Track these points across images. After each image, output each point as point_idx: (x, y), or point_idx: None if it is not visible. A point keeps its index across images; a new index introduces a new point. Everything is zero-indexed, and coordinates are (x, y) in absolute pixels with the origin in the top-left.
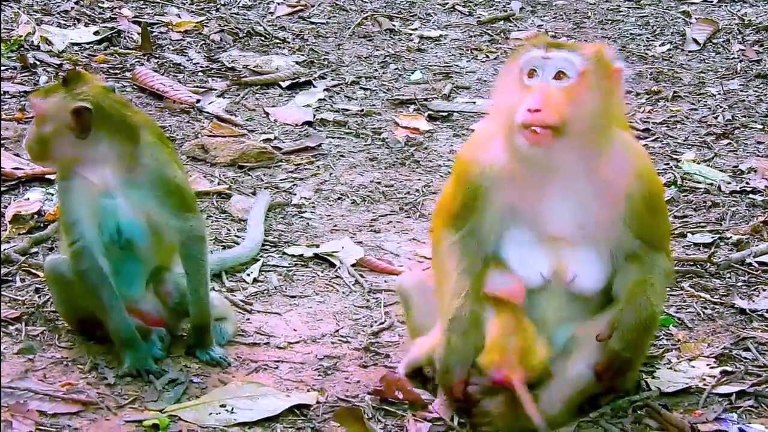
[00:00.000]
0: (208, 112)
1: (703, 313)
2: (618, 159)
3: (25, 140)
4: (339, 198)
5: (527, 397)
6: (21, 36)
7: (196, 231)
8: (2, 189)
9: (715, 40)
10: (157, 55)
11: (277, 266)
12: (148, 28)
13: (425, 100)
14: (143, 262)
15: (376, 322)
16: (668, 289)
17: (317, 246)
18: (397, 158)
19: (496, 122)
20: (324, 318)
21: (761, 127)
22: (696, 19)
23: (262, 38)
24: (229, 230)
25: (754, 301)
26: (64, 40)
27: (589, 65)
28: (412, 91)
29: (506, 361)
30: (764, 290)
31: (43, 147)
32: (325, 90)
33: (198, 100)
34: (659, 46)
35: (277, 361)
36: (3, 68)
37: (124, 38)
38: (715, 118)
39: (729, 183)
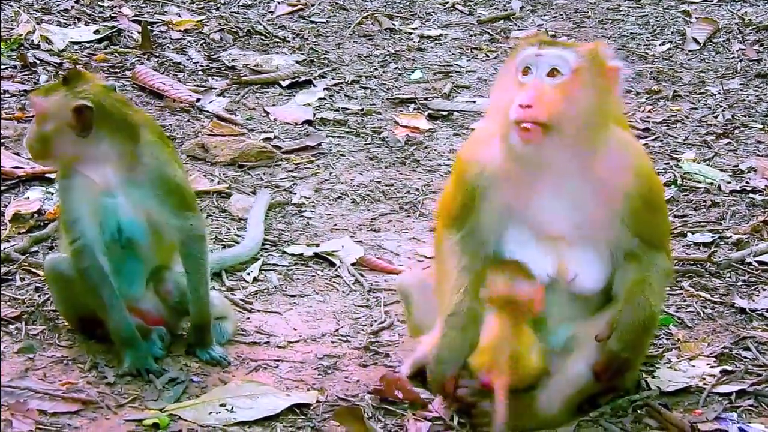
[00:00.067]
0: (208, 111)
1: (703, 312)
2: (614, 157)
3: (26, 139)
4: (339, 197)
5: (502, 404)
6: (21, 35)
7: (196, 230)
8: (2, 188)
9: (715, 40)
10: (157, 54)
11: (277, 265)
12: (148, 27)
13: (425, 99)
14: (143, 261)
15: (376, 321)
16: (668, 288)
17: (317, 245)
18: (397, 157)
19: (493, 121)
20: (324, 317)
21: (761, 126)
22: (696, 18)
23: (263, 37)
24: (229, 229)
25: (754, 301)
26: (64, 39)
27: (583, 63)
28: (412, 90)
29: (495, 365)
30: (764, 290)
31: (44, 145)
32: (325, 89)
33: (198, 99)
34: (659, 45)
35: (277, 360)
36: (3, 67)
37: (124, 37)
38: (715, 117)
39: (729, 182)
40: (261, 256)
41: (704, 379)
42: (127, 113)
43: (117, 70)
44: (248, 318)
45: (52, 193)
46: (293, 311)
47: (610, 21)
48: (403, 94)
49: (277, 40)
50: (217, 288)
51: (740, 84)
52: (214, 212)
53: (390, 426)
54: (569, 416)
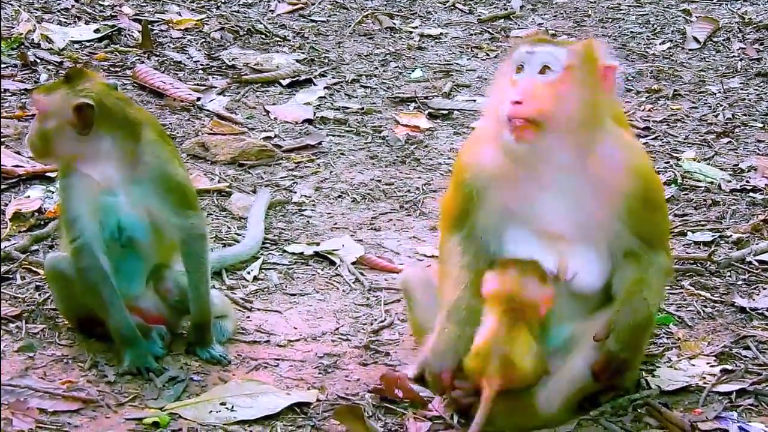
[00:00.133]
0: (208, 110)
1: (704, 311)
2: (611, 156)
3: (28, 137)
4: (339, 196)
5: (485, 409)
6: (21, 34)
7: (197, 229)
8: (3, 187)
9: (715, 39)
10: (158, 53)
11: (278, 264)
12: (149, 26)
13: (425, 98)
14: (144, 259)
15: (376, 320)
16: (668, 287)
17: (317, 244)
18: (397, 156)
19: (489, 120)
20: (324, 316)
21: (761, 125)
22: (696, 17)
23: (263, 36)
24: (229, 228)
25: (754, 300)
26: (65, 37)
27: (575, 60)
28: (412, 89)
29: (488, 370)
30: (764, 289)
31: (46, 144)
32: (325, 88)
33: (198, 98)
34: (660, 44)
35: (278, 359)
36: (3, 66)
37: (125, 36)
38: (716, 116)
39: (729, 181)
40: (261, 254)
41: (704, 378)
42: (129, 112)
43: (117, 69)
44: (248, 317)
45: (53, 192)
46: (293, 310)
47: (610, 20)
48: (403, 93)
49: (278, 39)
50: (218, 287)
51: (740, 83)
52: (214, 211)
53: (390, 425)
54: (569, 415)
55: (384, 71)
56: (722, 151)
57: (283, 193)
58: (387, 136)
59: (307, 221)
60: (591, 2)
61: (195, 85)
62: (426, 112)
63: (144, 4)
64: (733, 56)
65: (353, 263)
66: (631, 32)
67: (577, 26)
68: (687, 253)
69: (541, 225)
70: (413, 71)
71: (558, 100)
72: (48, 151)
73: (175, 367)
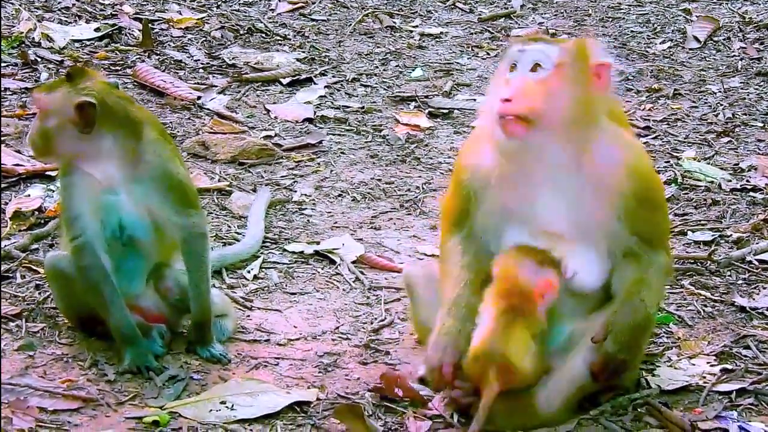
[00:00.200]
0: (208, 109)
1: (704, 311)
2: (607, 154)
3: (29, 135)
4: (339, 195)
5: (485, 409)
6: (22, 32)
7: (197, 228)
8: (3, 185)
9: (715, 38)
10: (158, 52)
11: (278, 263)
12: (149, 24)
13: (426, 97)
14: (144, 258)
15: (376, 319)
16: (668, 287)
17: (317, 243)
18: (397, 155)
19: (485, 120)
20: (324, 315)
21: (762, 125)
22: (697, 16)
23: (263, 35)
24: (229, 227)
25: (754, 299)
26: (65, 36)
27: (566, 57)
28: (412, 88)
29: (486, 371)
30: (764, 288)
31: (47, 142)
32: (325, 87)
33: (199, 97)
34: (660, 43)
35: (278, 358)
36: (4, 65)
37: (125, 35)
38: (716, 115)
39: (729, 181)
40: (261, 253)
41: (704, 377)
42: (130, 110)
43: (118, 68)
44: (248, 316)
45: (53, 191)
46: (293, 309)
47: (610, 19)
48: (403, 92)
49: (278, 37)
50: (218, 286)
51: (741, 82)
52: (214, 210)
53: (390, 424)
54: (569, 414)
55: (384, 70)
56: (722, 151)
57: (283, 192)
58: (387, 135)
59: (308, 220)
60: (591, 1)
61: (195, 83)
62: (426, 111)
63: (144, 2)
64: (734, 56)
65: (353, 262)
66: (632, 31)
67: (577, 25)
68: (687, 252)
69: (541, 225)
70: (414, 70)
71: (548, 98)
72: (49, 150)
73: (175, 366)
